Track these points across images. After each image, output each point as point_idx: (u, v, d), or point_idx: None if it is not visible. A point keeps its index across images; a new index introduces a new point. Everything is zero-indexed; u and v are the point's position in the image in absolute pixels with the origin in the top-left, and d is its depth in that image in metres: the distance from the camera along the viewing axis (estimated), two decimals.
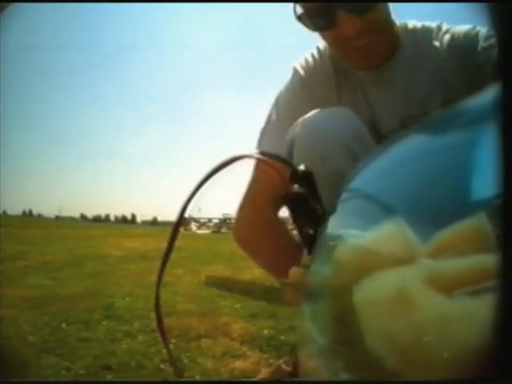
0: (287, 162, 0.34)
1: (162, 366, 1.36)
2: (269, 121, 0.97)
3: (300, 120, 0.83)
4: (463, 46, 0.87)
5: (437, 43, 0.90)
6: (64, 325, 1.85)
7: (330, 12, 0.77)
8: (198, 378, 1.30)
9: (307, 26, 0.85)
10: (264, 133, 0.95)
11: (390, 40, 0.89)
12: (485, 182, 0.17)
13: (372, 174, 0.24)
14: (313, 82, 0.93)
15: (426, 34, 0.92)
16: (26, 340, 1.58)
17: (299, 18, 0.84)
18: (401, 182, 0.21)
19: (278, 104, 0.98)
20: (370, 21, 0.78)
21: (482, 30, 0.83)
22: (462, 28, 0.89)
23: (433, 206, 0.19)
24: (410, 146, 0.23)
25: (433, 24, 0.93)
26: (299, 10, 0.83)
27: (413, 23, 0.94)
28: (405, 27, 0.93)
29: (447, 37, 0.89)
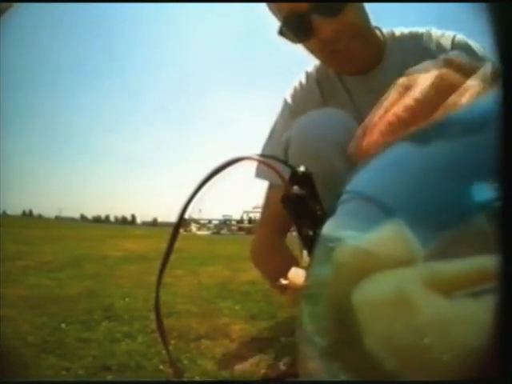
0: (287, 164, 0.34)
1: (161, 366, 1.36)
2: (264, 151, 1.00)
3: (295, 121, 0.85)
4: (454, 50, 0.87)
5: (426, 49, 0.91)
6: (63, 325, 1.84)
7: (306, 19, 0.79)
8: (197, 379, 1.30)
9: (290, 40, 0.88)
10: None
11: (374, 45, 0.90)
12: (485, 184, 0.17)
13: (371, 175, 0.24)
14: (301, 110, 0.96)
15: (414, 40, 0.93)
16: (25, 340, 1.57)
17: (281, 32, 0.86)
18: (401, 183, 0.21)
19: (272, 135, 1.01)
20: (345, 23, 0.80)
21: (473, 33, 0.85)
22: (452, 33, 0.90)
23: (433, 208, 0.19)
24: (410, 147, 0.23)
25: (422, 30, 0.94)
26: (280, 24, 0.86)
27: (400, 30, 0.96)
28: (392, 35, 0.94)
29: (437, 42, 0.90)
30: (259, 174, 0.96)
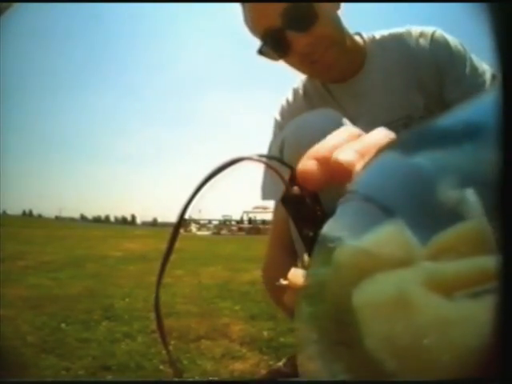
0: (287, 164, 0.34)
1: (161, 367, 1.36)
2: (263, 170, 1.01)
3: (289, 122, 0.86)
4: (434, 46, 0.89)
5: (407, 48, 0.92)
6: (63, 325, 1.85)
7: (281, 35, 0.82)
8: (197, 379, 1.30)
9: (271, 57, 0.90)
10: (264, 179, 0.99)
11: (353, 52, 0.92)
12: (485, 183, 0.17)
13: (371, 175, 0.24)
14: None
15: (395, 41, 0.94)
16: (25, 340, 1.57)
17: (261, 52, 0.89)
18: (400, 183, 0.21)
19: (269, 152, 1.02)
20: (318, 35, 0.82)
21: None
22: (431, 29, 0.91)
23: (433, 208, 0.19)
24: (411, 147, 0.23)
25: (401, 29, 0.96)
26: (259, 43, 0.88)
27: (380, 33, 0.97)
28: (372, 38, 0.96)
29: (416, 40, 0.92)
30: (265, 195, 0.96)
